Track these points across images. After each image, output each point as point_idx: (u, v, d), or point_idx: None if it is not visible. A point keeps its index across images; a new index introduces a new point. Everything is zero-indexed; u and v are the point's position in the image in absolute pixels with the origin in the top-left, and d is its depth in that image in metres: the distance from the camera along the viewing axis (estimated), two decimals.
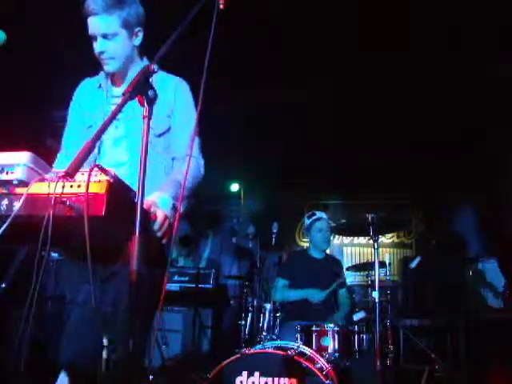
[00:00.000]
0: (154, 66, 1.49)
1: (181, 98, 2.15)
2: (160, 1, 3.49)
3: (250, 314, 4.31)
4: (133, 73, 2.14)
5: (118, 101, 2.09)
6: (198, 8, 1.70)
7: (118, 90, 2.17)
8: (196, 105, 1.95)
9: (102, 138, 2.01)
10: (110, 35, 1.99)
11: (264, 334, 3.77)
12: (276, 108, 5.13)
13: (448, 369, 4.31)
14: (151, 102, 1.46)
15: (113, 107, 2.12)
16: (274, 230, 4.64)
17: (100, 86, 2.20)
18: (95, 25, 1.97)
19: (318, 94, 4.83)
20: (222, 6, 1.74)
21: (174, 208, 1.86)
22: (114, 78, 2.18)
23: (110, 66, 2.06)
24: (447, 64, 4.23)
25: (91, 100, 2.20)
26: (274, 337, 3.79)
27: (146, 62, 2.20)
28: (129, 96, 1.43)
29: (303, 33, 3.99)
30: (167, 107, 2.11)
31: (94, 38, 2.01)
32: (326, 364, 3.21)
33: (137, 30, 2.07)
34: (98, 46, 2.01)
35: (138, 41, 2.10)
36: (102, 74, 2.19)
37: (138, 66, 2.14)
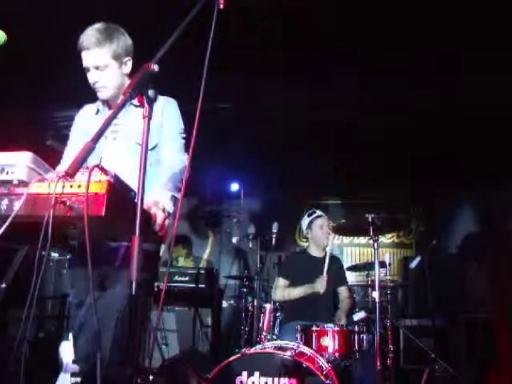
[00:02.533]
0: (154, 66, 1.49)
1: (168, 115, 2.32)
2: (160, 1, 3.49)
3: (249, 314, 4.32)
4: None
5: (114, 121, 2.16)
6: (197, 9, 1.70)
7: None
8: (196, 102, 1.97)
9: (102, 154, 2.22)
10: (102, 67, 2.20)
11: (264, 333, 3.78)
12: (277, 108, 5.13)
13: (448, 369, 4.31)
14: (151, 101, 1.46)
15: (110, 128, 2.20)
16: (274, 230, 4.65)
17: (98, 112, 2.39)
18: (88, 58, 2.19)
19: (318, 94, 4.83)
20: (221, 6, 1.74)
21: (174, 200, 1.91)
22: (110, 104, 2.36)
23: (103, 94, 2.27)
24: (450, 63, 4.23)
25: (90, 125, 2.32)
26: (274, 337, 3.79)
27: None
28: (129, 96, 1.43)
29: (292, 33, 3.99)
30: (156, 124, 2.24)
31: (88, 69, 2.22)
32: (325, 364, 3.21)
33: (126, 59, 2.28)
34: (91, 77, 2.22)
35: (127, 69, 2.30)
36: (99, 100, 2.38)
37: None
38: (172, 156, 2.28)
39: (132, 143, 2.21)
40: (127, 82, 2.30)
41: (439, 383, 4.31)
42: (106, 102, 2.36)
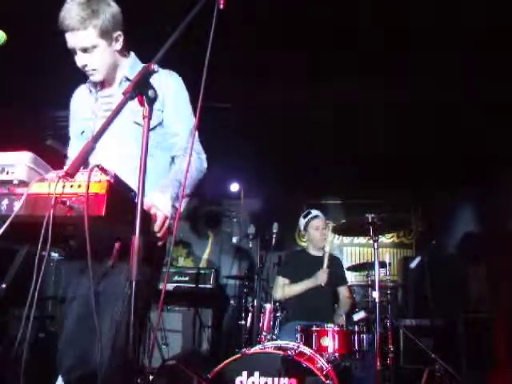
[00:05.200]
0: (154, 66, 1.49)
1: (171, 91, 2.10)
2: (160, 1, 3.50)
3: (249, 314, 4.32)
4: (120, 72, 2.15)
5: (108, 100, 2.13)
6: (197, 9, 1.70)
7: (108, 90, 2.19)
8: (195, 102, 1.93)
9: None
10: (90, 48, 1.96)
11: (264, 333, 3.78)
12: (276, 108, 5.13)
13: (448, 369, 4.31)
14: (151, 101, 1.47)
15: (103, 106, 2.14)
16: (274, 230, 4.65)
17: (90, 92, 2.21)
18: (73, 40, 1.94)
19: (318, 95, 4.83)
20: (221, 7, 1.74)
21: (174, 208, 1.86)
22: (103, 83, 2.18)
23: (95, 77, 2.06)
24: (449, 63, 4.23)
25: (83, 106, 2.22)
26: (274, 337, 3.79)
27: (132, 56, 2.21)
28: (129, 96, 1.43)
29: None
30: (164, 98, 2.07)
31: (74, 51, 1.98)
32: (325, 364, 3.21)
33: (116, 34, 2.03)
34: (79, 60, 1.99)
35: (118, 45, 2.06)
36: (89, 81, 2.19)
37: (124, 63, 2.16)
38: (183, 148, 2.08)
39: (128, 122, 2.01)
40: (120, 59, 2.12)
41: (439, 383, 4.31)
42: (99, 82, 2.15)
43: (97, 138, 1.37)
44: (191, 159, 1.85)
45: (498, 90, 4.43)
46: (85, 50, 1.96)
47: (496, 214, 5.94)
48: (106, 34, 1.97)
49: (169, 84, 2.10)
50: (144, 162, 1.42)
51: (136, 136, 1.99)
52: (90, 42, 1.94)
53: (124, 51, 2.15)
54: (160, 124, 2.09)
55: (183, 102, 2.16)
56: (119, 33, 2.05)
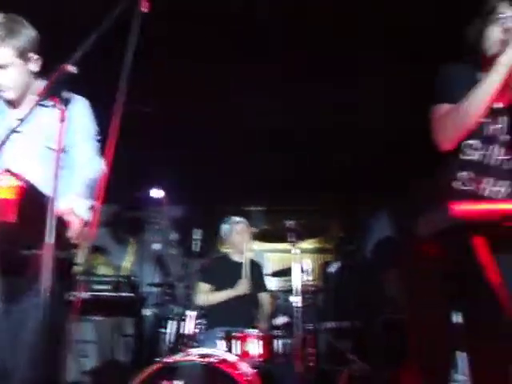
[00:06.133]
0: (70, 67, 1.45)
1: (79, 115, 2.16)
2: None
3: (172, 322, 4.26)
4: (31, 96, 2.15)
5: (17, 123, 2.01)
6: (118, 10, 1.67)
7: (17, 112, 2.15)
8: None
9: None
10: (5, 65, 2.00)
11: (185, 341, 3.74)
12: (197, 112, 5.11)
13: (365, 369, 4.47)
14: (66, 102, 1.42)
15: (6, 126, 2.07)
16: (197, 237, 4.63)
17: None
18: None
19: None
20: (145, 10, 1.71)
21: (90, 213, 1.83)
22: (13, 103, 2.17)
23: (7, 95, 2.09)
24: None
25: None
26: (197, 344, 3.76)
27: (42, 82, 2.18)
28: (44, 97, 1.38)
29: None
30: (69, 125, 2.09)
31: None
32: (249, 369, 3.22)
33: (32, 56, 2.08)
34: None
35: (34, 67, 2.11)
36: (1, 99, 2.17)
37: (37, 86, 2.16)
38: (86, 160, 2.16)
39: (41, 146, 2.05)
40: (33, 81, 2.15)
41: (357, 382, 4.45)
42: (10, 102, 2.16)
43: (3, 142, 1.31)
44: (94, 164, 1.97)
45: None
46: (0, 67, 2.00)
47: (406, 222, 6.22)
48: (22, 54, 2.02)
49: (80, 110, 2.17)
50: (57, 167, 1.37)
51: (45, 160, 1.98)
52: (7, 60, 1.99)
53: (39, 74, 2.17)
54: (70, 146, 2.11)
55: (91, 125, 2.25)
56: (37, 57, 2.10)
